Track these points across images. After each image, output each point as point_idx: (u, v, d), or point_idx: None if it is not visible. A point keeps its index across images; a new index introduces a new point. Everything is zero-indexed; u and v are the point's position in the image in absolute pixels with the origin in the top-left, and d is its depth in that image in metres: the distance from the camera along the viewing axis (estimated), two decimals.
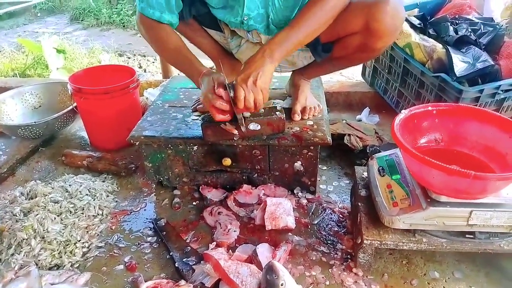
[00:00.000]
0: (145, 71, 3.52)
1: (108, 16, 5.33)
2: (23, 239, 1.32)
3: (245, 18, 1.39)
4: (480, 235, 1.11)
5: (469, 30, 1.86)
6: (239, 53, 1.60)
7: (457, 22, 1.93)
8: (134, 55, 3.99)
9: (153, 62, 3.72)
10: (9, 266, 1.26)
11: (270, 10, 1.38)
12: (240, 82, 1.21)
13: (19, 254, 1.29)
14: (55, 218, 1.40)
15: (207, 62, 1.50)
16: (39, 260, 1.28)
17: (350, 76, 2.99)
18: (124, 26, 5.14)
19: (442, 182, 1.02)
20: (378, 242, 1.16)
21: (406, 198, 1.13)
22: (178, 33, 1.44)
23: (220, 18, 1.48)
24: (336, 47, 1.42)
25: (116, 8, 5.49)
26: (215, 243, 1.34)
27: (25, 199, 1.52)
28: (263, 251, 1.27)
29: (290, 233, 1.39)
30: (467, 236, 1.12)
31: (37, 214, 1.40)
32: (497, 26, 1.90)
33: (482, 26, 1.91)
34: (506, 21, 2.10)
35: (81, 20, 5.50)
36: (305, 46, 1.44)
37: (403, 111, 1.17)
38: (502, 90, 1.63)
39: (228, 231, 1.38)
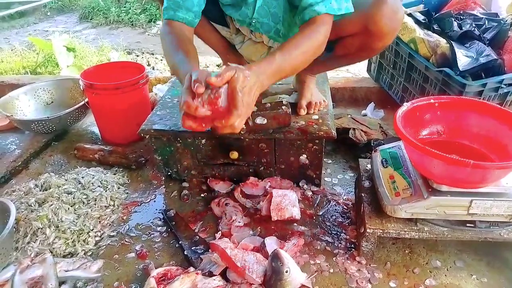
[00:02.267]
0: (153, 68, 3.57)
1: (117, 14, 5.40)
2: (38, 228, 1.38)
3: (254, 21, 1.42)
4: (480, 224, 1.14)
5: (473, 25, 1.88)
6: (242, 49, 1.63)
7: (461, 17, 1.96)
8: (143, 53, 4.05)
9: (161, 60, 3.77)
10: (25, 253, 1.31)
11: (281, 24, 1.42)
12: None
13: (34, 242, 1.35)
14: (68, 209, 1.46)
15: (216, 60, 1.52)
16: (53, 248, 1.34)
17: (356, 72, 3.01)
18: (132, 25, 5.19)
19: (442, 171, 1.05)
20: (381, 231, 1.19)
21: (408, 188, 1.16)
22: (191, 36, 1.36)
23: (228, 14, 1.51)
24: (338, 46, 1.46)
25: (124, 7, 5.55)
26: (220, 232, 1.38)
27: (40, 190, 1.58)
28: (271, 243, 1.31)
29: (295, 224, 1.43)
30: (467, 225, 1.15)
31: (52, 205, 1.45)
32: (501, 21, 1.92)
33: (486, 21, 1.93)
34: (511, 16, 2.11)
35: (90, 19, 5.57)
36: None
37: (405, 103, 1.21)
38: (505, 84, 1.65)
39: (233, 221, 1.42)
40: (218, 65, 3.36)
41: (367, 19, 1.29)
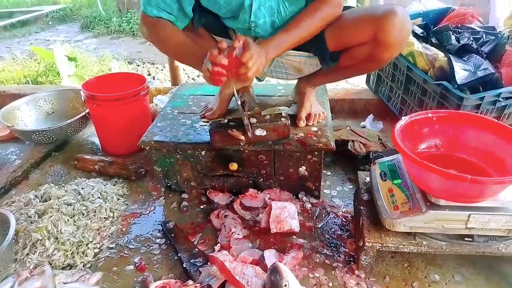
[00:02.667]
0: (154, 78, 3.59)
1: (118, 24, 5.44)
2: (38, 240, 1.38)
3: (252, 25, 1.45)
4: (478, 238, 1.15)
5: (471, 39, 1.90)
6: None
7: (459, 31, 1.98)
8: (144, 62, 4.07)
9: (162, 70, 3.79)
10: (24, 265, 1.31)
11: (276, 17, 1.44)
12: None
13: (34, 254, 1.35)
14: (68, 220, 1.46)
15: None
16: (52, 260, 1.34)
17: (355, 84, 3.03)
18: (133, 34, 5.23)
19: (440, 186, 1.06)
20: (380, 245, 1.19)
21: (406, 201, 1.17)
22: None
23: (229, 26, 1.54)
24: (344, 56, 1.48)
25: (126, 17, 5.60)
26: (219, 245, 1.38)
27: (39, 201, 1.58)
28: (270, 256, 1.31)
29: (294, 236, 1.43)
30: (466, 239, 1.15)
31: (51, 216, 1.46)
32: (498, 35, 1.94)
33: (484, 35, 1.95)
34: (509, 29, 2.14)
35: (92, 29, 5.61)
36: (313, 54, 1.49)
37: (403, 117, 1.22)
38: (503, 98, 1.66)
39: (232, 234, 1.42)
40: None
41: (377, 29, 1.32)
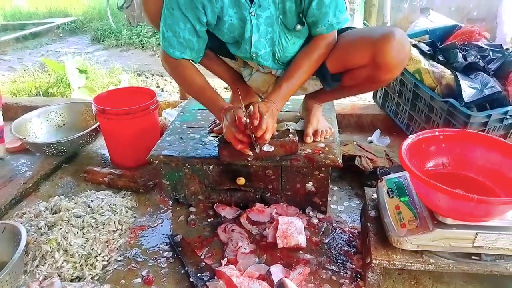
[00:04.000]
0: (162, 90, 3.64)
1: (128, 37, 5.54)
2: (47, 252, 1.40)
3: (254, 55, 1.48)
4: (486, 257, 1.14)
5: (478, 56, 1.92)
6: (250, 81, 1.68)
7: (466, 48, 1.99)
8: (152, 75, 4.14)
9: (171, 82, 3.85)
10: (34, 277, 1.33)
11: (276, 48, 1.48)
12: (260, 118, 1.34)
13: (43, 265, 1.36)
14: (77, 232, 1.48)
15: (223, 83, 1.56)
16: (61, 272, 1.35)
17: (362, 98, 3.05)
18: (143, 47, 5.32)
19: (447, 205, 1.07)
20: (387, 262, 1.20)
21: (413, 219, 1.17)
22: (198, 68, 1.56)
23: (232, 52, 1.57)
24: (345, 78, 1.50)
25: (136, 30, 5.70)
26: (226, 259, 1.39)
27: (50, 213, 1.60)
28: (277, 271, 1.31)
29: (301, 252, 1.43)
30: (473, 257, 1.15)
31: (61, 228, 1.48)
32: (505, 52, 1.95)
33: (491, 52, 1.96)
34: None
35: (102, 41, 5.72)
36: (315, 76, 1.52)
37: (410, 136, 1.23)
38: (510, 115, 1.67)
39: (239, 248, 1.43)
40: (225, 88, 3.42)
41: (375, 52, 1.33)
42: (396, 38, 1.31)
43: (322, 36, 1.43)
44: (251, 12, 1.36)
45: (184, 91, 1.62)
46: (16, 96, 3.43)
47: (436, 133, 1.25)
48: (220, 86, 3.52)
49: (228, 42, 1.53)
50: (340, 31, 1.47)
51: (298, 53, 1.49)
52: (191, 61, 1.54)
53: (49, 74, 3.73)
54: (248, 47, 1.45)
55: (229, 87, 1.87)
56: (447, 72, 1.84)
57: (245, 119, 1.34)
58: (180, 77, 1.57)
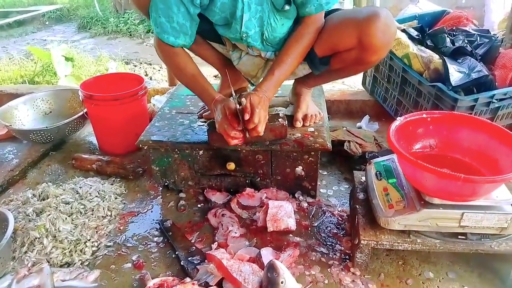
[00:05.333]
0: (151, 78, 3.60)
1: (115, 25, 5.45)
2: (36, 238, 1.39)
3: (244, 36, 1.46)
4: (471, 236, 1.17)
5: (466, 41, 1.93)
6: (239, 64, 1.66)
7: (454, 33, 2.01)
8: (141, 63, 4.09)
9: (159, 70, 3.81)
10: (22, 263, 1.32)
11: (265, 28, 1.46)
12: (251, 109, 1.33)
13: (32, 252, 1.35)
14: (66, 218, 1.47)
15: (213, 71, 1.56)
16: (50, 258, 1.34)
17: (351, 85, 3.06)
18: (130, 35, 5.25)
19: (434, 184, 1.08)
20: (375, 243, 1.21)
21: (401, 200, 1.19)
22: (191, 56, 1.56)
23: (221, 34, 1.55)
24: (333, 61, 1.49)
25: (123, 17, 5.61)
26: (216, 243, 1.40)
27: (37, 200, 1.59)
28: (267, 254, 1.33)
29: (291, 235, 1.44)
30: (459, 237, 1.17)
31: (49, 214, 1.46)
32: (492, 37, 1.97)
33: (478, 37, 1.98)
34: (502, 32, 2.17)
35: (89, 29, 5.62)
36: (304, 60, 1.51)
37: (398, 118, 1.24)
38: (496, 99, 1.69)
39: (229, 232, 1.44)
40: (215, 76, 3.40)
41: (360, 34, 1.33)
42: (381, 19, 1.30)
43: (311, 19, 1.42)
44: None
45: (177, 79, 1.60)
46: (0, 84, 3.37)
47: (424, 115, 1.26)
48: (209, 74, 3.50)
49: (218, 24, 1.51)
50: (326, 14, 1.46)
51: (288, 39, 1.47)
52: (184, 48, 1.52)
53: (35, 63, 3.67)
54: (238, 27, 1.43)
55: (219, 74, 1.85)
56: (435, 56, 1.85)
57: (238, 107, 1.35)
58: (173, 65, 1.56)
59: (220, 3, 1.38)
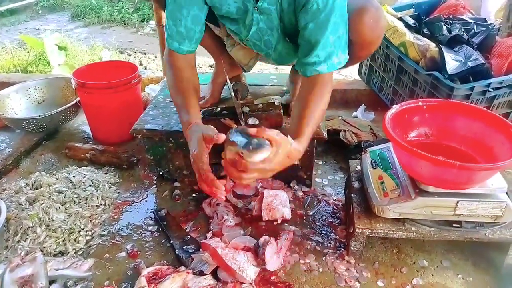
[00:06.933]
0: (145, 68, 3.56)
1: (109, 13, 5.38)
2: (29, 227, 1.37)
3: (247, 39, 1.44)
4: (466, 225, 1.17)
5: (462, 30, 1.92)
6: (232, 52, 1.64)
7: (450, 22, 1.99)
8: (135, 52, 4.05)
9: (154, 60, 3.77)
10: (15, 252, 1.31)
11: (273, 51, 1.44)
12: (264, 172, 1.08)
13: (25, 241, 1.34)
14: (59, 208, 1.46)
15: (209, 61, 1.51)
16: (44, 247, 1.33)
17: (348, 75, 3.04)
18: (125, 24, 5.18)
19: (429, 172, 1.08)
20: (369, 231, 1.21)
21: (396, 188, 1.19)
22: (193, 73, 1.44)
23: (223, 23, 1.50)
24: None
25: (117, 6, 5.54)
26: (211, 232, 1.39)
27: (30, 189, 1.57)
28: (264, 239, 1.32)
29: (286, 224, 1.44)
30: (454, 225, 1.18)
31: (42, 203, 1.45)
32: (489, 26, 1.96)
33: (475, 26, 1.96)
34: (499, 21, 2.16)
35: (82, 18, 5.54)
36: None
37: (394, 106, 1.23)
38: (492, 88, 1.68)
39: (224, 221, 1.43)
40: (210, 66, 3.37)
41: (349, 29, 1.28)
42: (370, 14, 1.26)
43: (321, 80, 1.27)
44: (255, 7, 1.30)
45: (168, 85, 1.46)
46: None
47: (420, 103, 1.26)
48: (205, 64, 3.48)
49: (222, 15, 1.42)
50: None
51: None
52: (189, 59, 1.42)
53: (28, 52, 3.62)
54: (244, 32, 1.40)
55: (214, 60, 1.83)
56: (432, 45, 1.84)
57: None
58: (171, 68, 1.41)
59: (225, 10, 1.34)
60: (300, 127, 1.19)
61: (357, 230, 1.21)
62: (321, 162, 1.83)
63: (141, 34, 4.80)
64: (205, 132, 1.16)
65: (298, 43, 1.31)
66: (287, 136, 1.10)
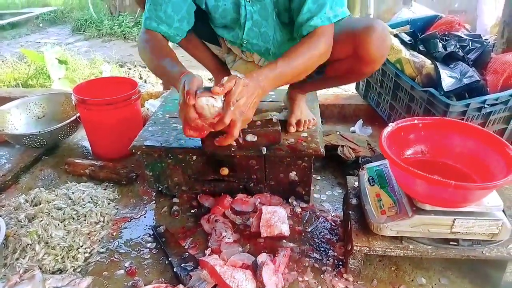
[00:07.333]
0: (145, 81, 3.59)
1: (110, 27, 5.44)
2: (28, 244, 1.37)
3: (245, 42, 1.46)
4: (463, 242, 1.17)
5: (458, 46, 1.95)
6: (233, 68, 1.67)
7: (446, 38, 2.02)
8: (135, 66, 4.08)
9: None
10: (14, 270, 1.31)
11: (271, 43, 1.46)
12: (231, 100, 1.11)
13: (23, 258, 1.34)
14: (58, 224, 1.46)
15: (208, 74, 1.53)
16: (43, 265, 1.33)
17: (345, 89, 3.07)
18: (125, 38, 5.23)
19: (425, 191, 1.09)
20: (367, 249, 1.22)
21: (393, 206, 1.19)
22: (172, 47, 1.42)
23: (220, 35, 1.55)
24: (328, 69, 1.50)
25: (117, 20, 5.60)
26: (210, 249, 1.39)
27: (30, 205, 1.58)
28: (262, 257, 1.32)
29: (284, 240, 1.44)
30: (451, 243, 1.18)
31: (41, 220, 1.45)
32: (484, 42, 1.98)
33: (470, 42, 1.99)
34: (494, 37, 2.19)
35: (83, 31, 5.60)
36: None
37: (390, 124, 1.24)
38: (488, 104, 1.70)
39: (222, 238, 1.44)
40: (209, 79, 3.40)
41: (356, 46, 1.34)
42: (377, 32, 1.31)
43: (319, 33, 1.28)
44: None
45: (144, 60, 1.42)
46: None
47: (416, 121, 1.27)
48: (204, 78, 3.50)
49: (218, 25, 1.49)
50: None
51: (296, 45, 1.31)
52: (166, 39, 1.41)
53: (28, 65, 3.65)
54: (240, 33, 1.43)
55: (213, 77, 1.85)
56: (427, 61, 1.86)
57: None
58: (146, 45, 1.36)
59: (222, 9, 1.38)
60: (276, 60, 1.21)
61: (355, 248, 1.21)
62: (319, 178, 1.83)
63: None
64: (192, 79, 1.14)
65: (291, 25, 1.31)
66: None
